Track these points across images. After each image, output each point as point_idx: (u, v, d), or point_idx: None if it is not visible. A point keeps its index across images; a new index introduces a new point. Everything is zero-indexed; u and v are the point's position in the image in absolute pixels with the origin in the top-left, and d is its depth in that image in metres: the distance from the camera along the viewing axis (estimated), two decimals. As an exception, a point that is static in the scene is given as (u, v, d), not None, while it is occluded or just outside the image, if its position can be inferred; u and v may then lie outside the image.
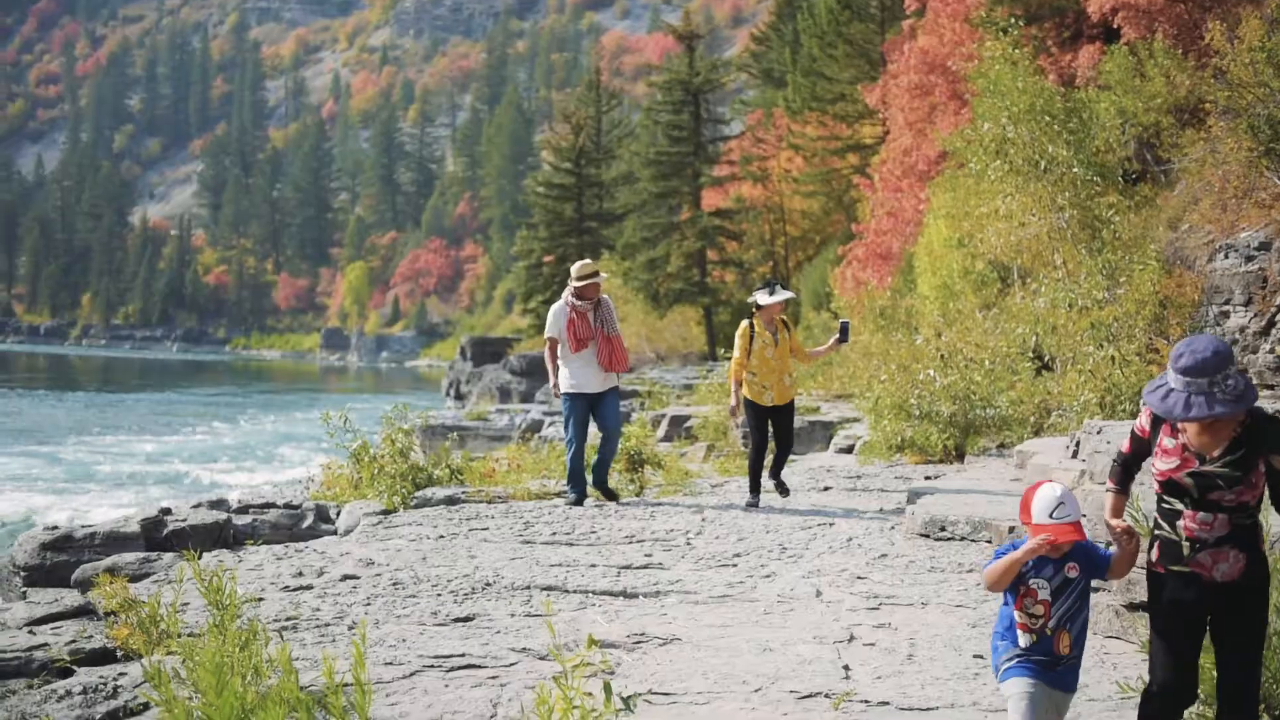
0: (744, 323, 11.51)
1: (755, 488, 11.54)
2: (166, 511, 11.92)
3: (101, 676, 6.52)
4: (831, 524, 10.72)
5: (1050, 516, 4.46)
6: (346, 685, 5.12)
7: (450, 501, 12.58)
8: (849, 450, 17.32)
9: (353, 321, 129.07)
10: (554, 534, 10.44)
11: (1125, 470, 4.86)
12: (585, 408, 11.63)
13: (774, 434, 11.54)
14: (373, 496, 13.07)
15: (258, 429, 42.59)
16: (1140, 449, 4.75)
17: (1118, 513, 4.85)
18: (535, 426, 29.97)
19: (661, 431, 21.46)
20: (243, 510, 12.59)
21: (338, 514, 12.78)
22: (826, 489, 13.31)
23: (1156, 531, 4.64)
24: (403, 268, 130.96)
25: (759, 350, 11.33)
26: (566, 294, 11.61)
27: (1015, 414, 15.59)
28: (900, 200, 30.04)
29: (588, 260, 12.01)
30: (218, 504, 12.93)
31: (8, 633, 7.68)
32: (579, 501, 11.59)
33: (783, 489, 11.64)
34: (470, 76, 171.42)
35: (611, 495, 11.87)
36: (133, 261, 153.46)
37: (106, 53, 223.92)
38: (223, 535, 11.61)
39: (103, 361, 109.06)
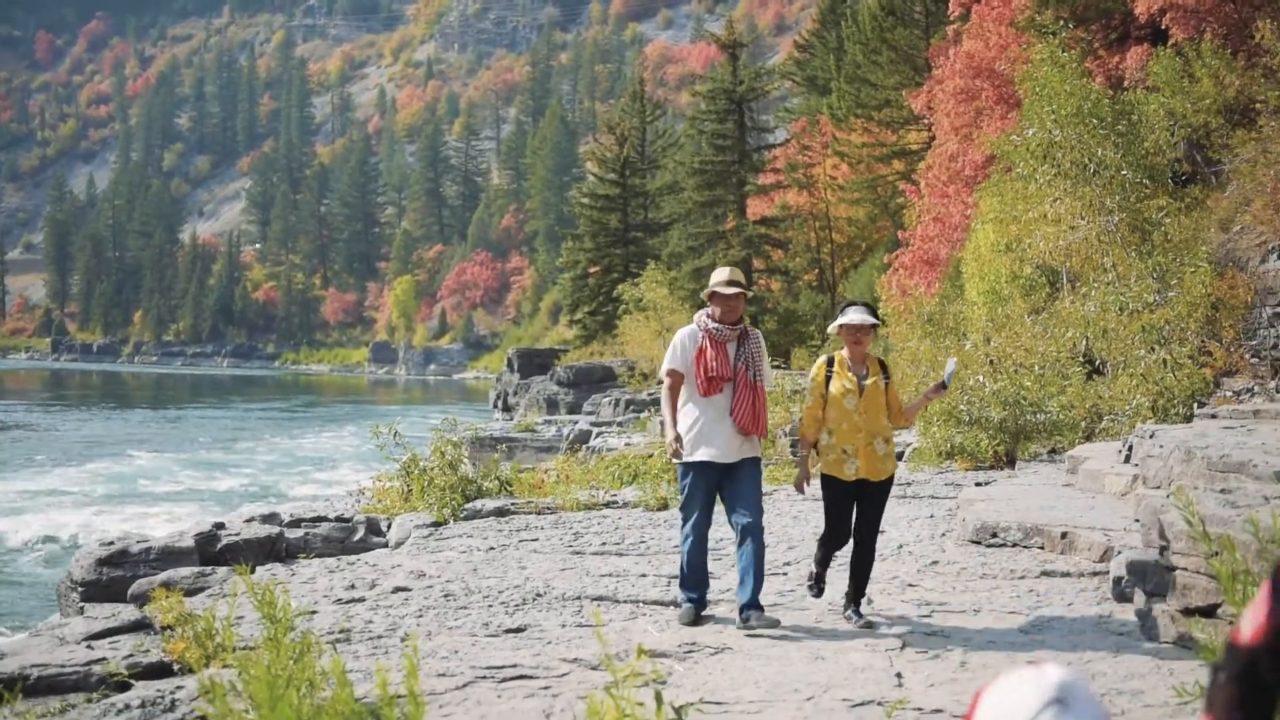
0: (821, 358, 8.02)
1: (819, 579, 8.06)
2: (220, 526, 12.04)
3: (159, 690, 6.59)
4: (882, 531, 10.66)
5: None
6: (400, 697, 5.15)
7: (500, 513, 12.64)
8: (898, 457, 17.23)
9: (400, 335, 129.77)
10: (604, 544, 10.45)
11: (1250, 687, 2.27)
12: (712, 483, 7.72)
13: (856, 523, 7.82)
14: (423, 509, 13.14)
15: (308, 443, 42.89)
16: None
17: None
18: (583, 437, 30.01)
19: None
20: (295, 524, 12.69)
21: (388, 527, 12.85)
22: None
23: None
24: (449, 281, 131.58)
25: (837, 399, 7.73)
26: (700, 315, 7.96)
27: (1066, 419, 15.47)
28: (947, 206, 29.89)
29: (734, 267, 8.30)
30: (270, 518, 13.04)
31: (66, 647, 7.78)
32: (695, 613, 7.68)
33: (857, 612, 7.70)
34: (514, 89, 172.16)
35: (768, 622, 7.46)
36: (183, 279, 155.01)
37: (155, 72, 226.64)
38: (275, 549, 11.71)
39: (155, 378, 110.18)
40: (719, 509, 7.92)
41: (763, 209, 50.15)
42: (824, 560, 8.05)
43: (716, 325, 7.81)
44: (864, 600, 7.83)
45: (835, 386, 7.79)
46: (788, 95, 76.45)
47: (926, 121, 37.84)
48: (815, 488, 8.02)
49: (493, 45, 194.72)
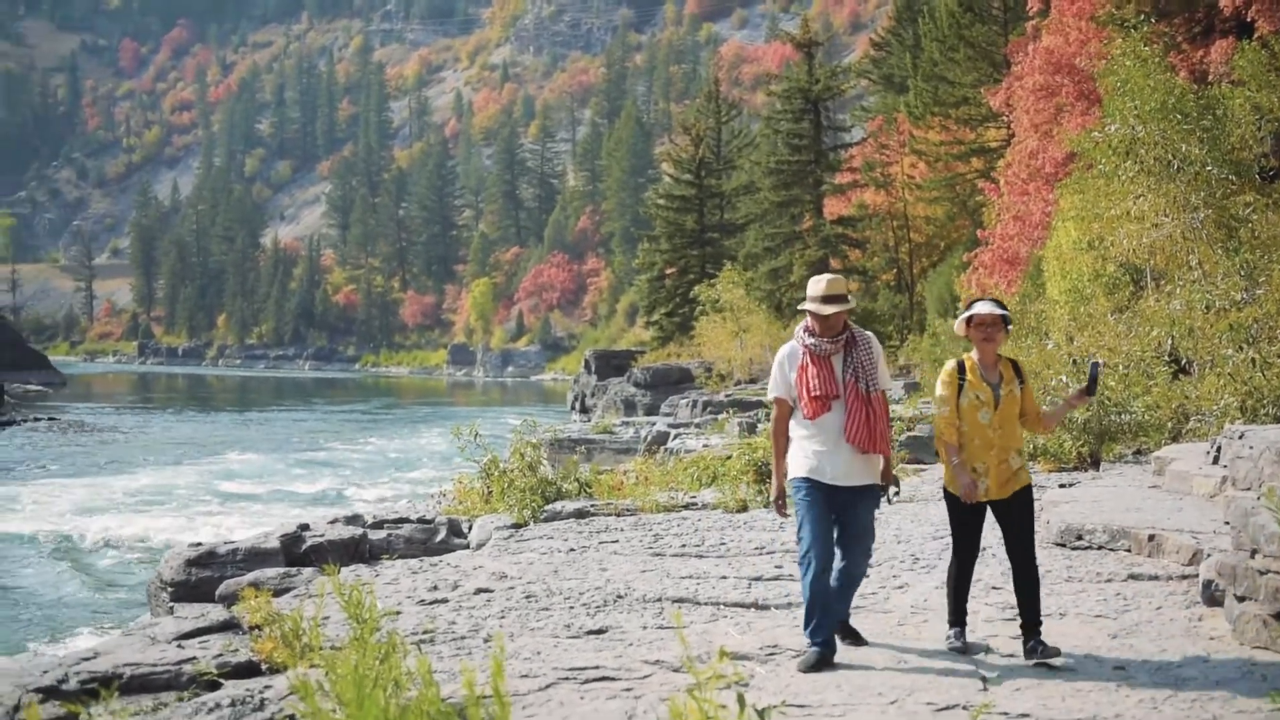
0: (950, 363, 7.18)
1: (959, 615, 7.09)
2: (305, 528, 12.20)
3: (248, 689, 6.70)
4: (964, 534, 10.57)
5: None
6: (485, 698, 5.19)
7: (580, 515, 12.69)
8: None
9: (478, 337, 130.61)
10: (683, 546, 10.46)
11: None
12: (826, 506, 6.93)
13: (1008, 546, 7.01)
14: (503, 510, 13.23)
15: (388, 444, 43.31)
16: None
17: None
18: (661, 439, 30.03)
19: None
20: (377, 525, 12.83)
21: (469, 528, 12.95)
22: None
23: None
24: (526, 283, 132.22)
25: (970, 413, 6.97)
26: (799, 329, 7.17)
27: (1152, 419, 15.24)
28: (1027, 204, 29.58)
29: (833, 277, 7.20)
30: (353, 519, 13.19)
31: (158, 646, 7.92)
32: (820, 658, 6.68)
33: (1039, 643, 6.68)
34: (589, 91, 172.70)
35: (852, 634, 7.14)
36: (265, 282, 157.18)
37: (237, 79, 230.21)
38: (359, 550, 11.86)
39: (238, 381, 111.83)
40: None
41: (840, 208, 49.92)
42: (961, 589, 7.09)
43: (814, 341, 7.00)
44: (1040, 627, 6.79)
45: (967, 398, 6.95)
46: (864, 94, 76.00)
47: (1005, 119, 37.50)
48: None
49: (568, 47, 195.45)
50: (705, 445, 24.03)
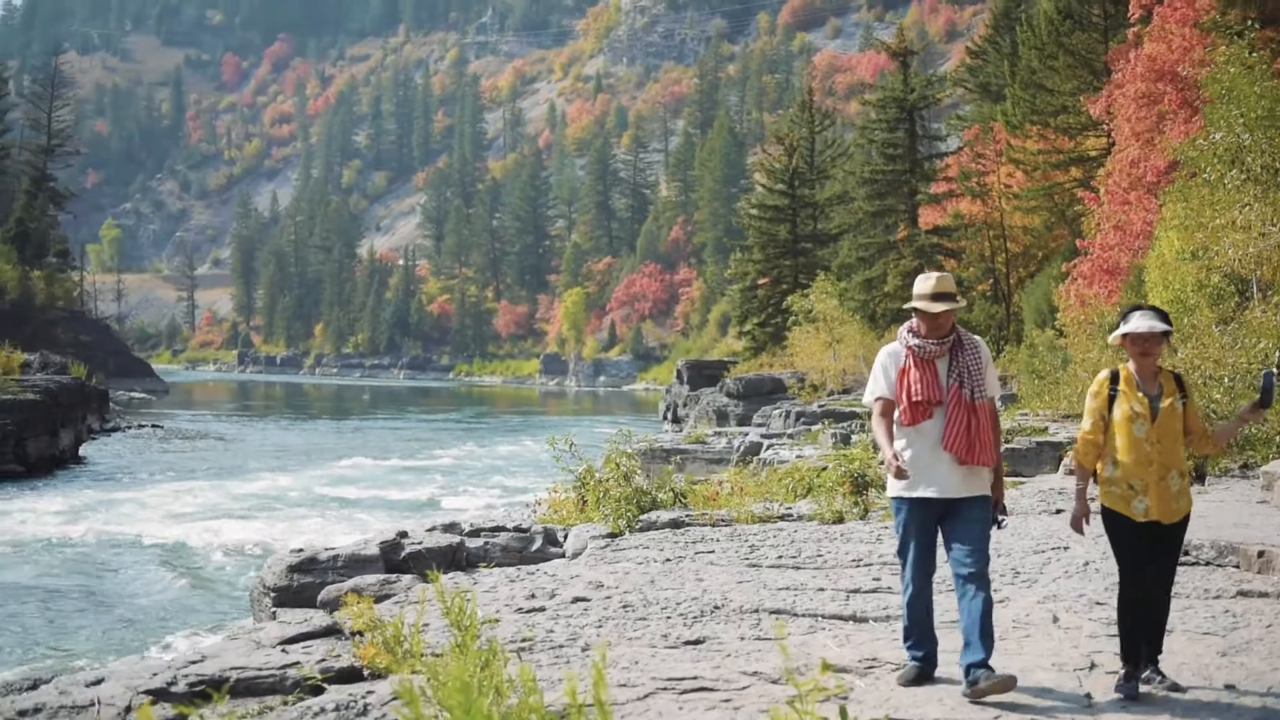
0: (1102, 373, 6.71)
1: (1132, 655, 6.43)
2: (403, 535, 12.34)
3: (351, 694, 6.79)
4: (1066, 548, 10.43)
5: None
6: (587, 706, 5.22)
7: (675, 525, 12.70)
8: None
9: (570, 347, 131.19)
10: (780, 557, 10.43)
11: None
12: (929, 523, 6.56)
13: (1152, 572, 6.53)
14: (598, 520, 13.27)
15: (482, 452, 43.67)
16: None
17: None
18: (753, 449, 29.93)
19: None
20: (474, 533, 12.93)
21: (565, 537, 13.01)
22: (1059, 512, 12.93)
23: None
24: (618, 293, 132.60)
25: (1124, 425, 6.47)
26: (903, 330, 6.84)
27: (1259, 433, 14.92)
28: (1128, 213, 29.09)
29: (943, 274, 6.87)
30: (450, 527, 13.31)
31: (263, 651, 8.07)
32: (919, 673, 6.53)
33: (1157, 672, 6.47)
34: (682, 101, 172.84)
35: (1000, 682, 6.18)
36: (361, 292, 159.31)
37: (335, 92, 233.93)
38: (456, 558, 11.96)
39: (334, 389, 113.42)
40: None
41: (935, 218, 49.46)
42: (1135, 630, 6.42)
43: (919, 342, 6.61)
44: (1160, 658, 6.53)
45: (1121, 409, 6.45)
46: (959, 102, 75.27)
47: (1105, 127, 36.90)
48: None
49: (660, 58, 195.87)
50: (799, 456, 23.91)
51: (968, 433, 6.46)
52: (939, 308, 6.58)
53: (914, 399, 6.53)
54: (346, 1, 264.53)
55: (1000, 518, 6.67)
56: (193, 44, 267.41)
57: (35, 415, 34.67)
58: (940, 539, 6.62)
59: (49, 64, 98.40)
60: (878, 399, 6.72)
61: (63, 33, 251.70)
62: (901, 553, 6.64)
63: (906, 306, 6.83)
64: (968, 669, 6.24)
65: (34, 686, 8.57)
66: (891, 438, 6.62)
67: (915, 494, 6.52)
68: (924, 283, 6.70)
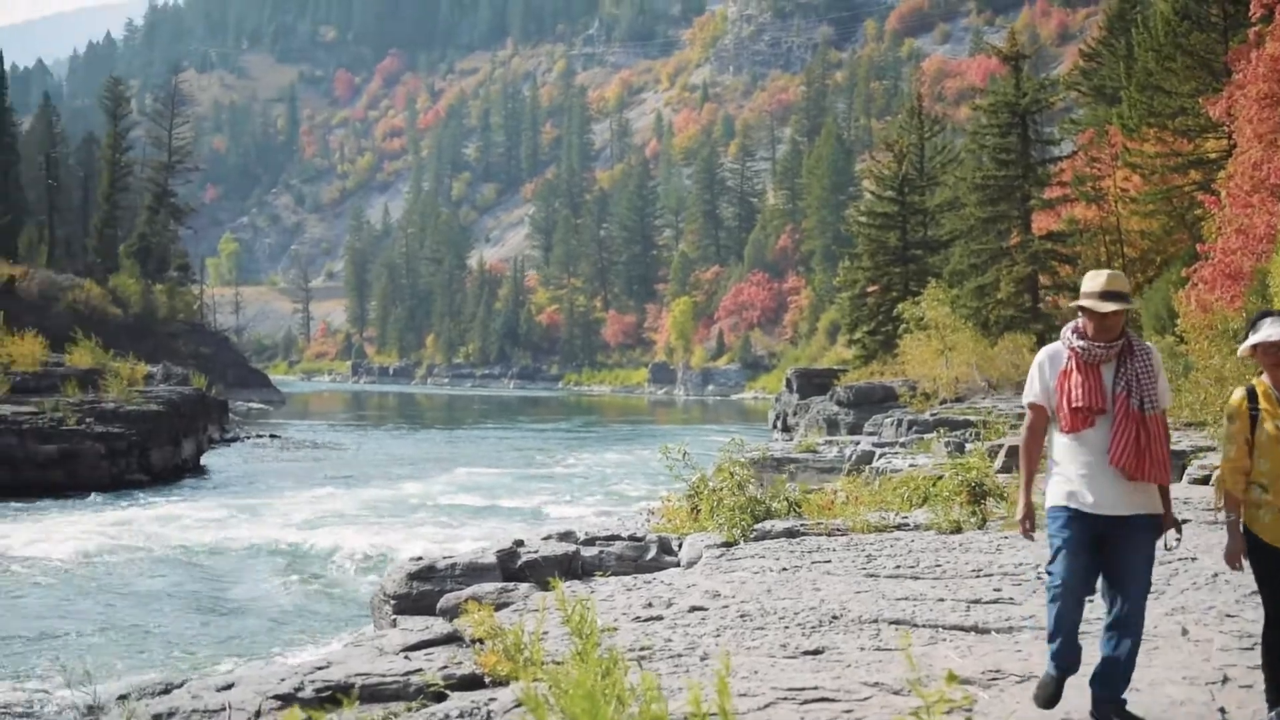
0: (1237, 392, 6.15)
1: (1277, 696, 6.00)
2: (519, 543, 12.47)
3: (473, 701, 6.88)
4: (1194, 559, 10.21)
5: None
6: (711, 715, 5.23)
7: (790, 534, 12.66)
8: (1204, 481, 16.44)
9: (678, 356, 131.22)
10: (897, 567, 10.34)
11: None
12: (1084, 539, 5.99)
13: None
14: (712, 529, 13.28)
15: (593, 461, 43.87)
16: None
17: None
18: (865, 458, 29.68)
19: (998, 463, 20.91)
20: (589, 542, 13.02)
21: (679, 546, 13.04)
22: (1185, 521, 12.64)
23: None
24: (726, 301, 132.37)
25: (1270, 444, 5.92)
26: (1066, 330, 6.34)
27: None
28: (1251, 216, 28.40)
29: (1115, 272, 6.29)
30: (566, 536, 13.42)
31: (386, 658, 8.20)
32: (1056, 687, 6.10)
33: None
34: (789, 109, 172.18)
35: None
36: (471, 303, 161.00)
37: (445, 105, 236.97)
38: (571, 566, 12.06)
39: (446, 399, 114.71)
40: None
41: (1049, 223, 48.73)
42: (1274, 659, 5.94)
43: (1084, 344, 6.10)
44: None
45: (1266, 429, 5.87)
46: (1073, 106, 74.06)
47: (1226, 129, 36.08)
48: None
49: (767, 66, 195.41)
50: (912, 465, 23.67)
51: (1137, 445, 5.93)
52: (1109, 307, 6.03)
53: (1075, 405, 6.03)
54: (456, 16, 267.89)
55: (1175, 538, 6.20)
56: (306, 60, 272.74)
57: (159, 426, 35.58)
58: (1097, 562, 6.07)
59: (169, 83, 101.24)
60: (1030, 404, 6.28)
61: (182, 52, 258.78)
62: (1051, 565, 6.07)
63: (1072, 305, 6.35)
64: (1097, 700, 6.00)
65: (166, 691, 8.80)
66: (1033, 469, 6.24)
67: (1074, 505, 6.00)
68: (1093, 279, 6.19)
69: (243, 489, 33.70)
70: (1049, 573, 6.08)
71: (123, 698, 8.90)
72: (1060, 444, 6.13)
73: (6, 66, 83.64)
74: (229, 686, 7.97)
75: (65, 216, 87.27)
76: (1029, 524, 6.19)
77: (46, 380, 37.75)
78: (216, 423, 47.02)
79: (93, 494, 31.05)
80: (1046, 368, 6.20)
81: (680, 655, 7.68)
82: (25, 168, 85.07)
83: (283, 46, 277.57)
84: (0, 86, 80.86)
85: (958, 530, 12.56)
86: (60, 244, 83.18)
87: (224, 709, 7.38)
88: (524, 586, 10.73)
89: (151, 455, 34.63)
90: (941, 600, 8.96)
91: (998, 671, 6.95)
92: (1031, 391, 6.25)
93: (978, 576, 9.85)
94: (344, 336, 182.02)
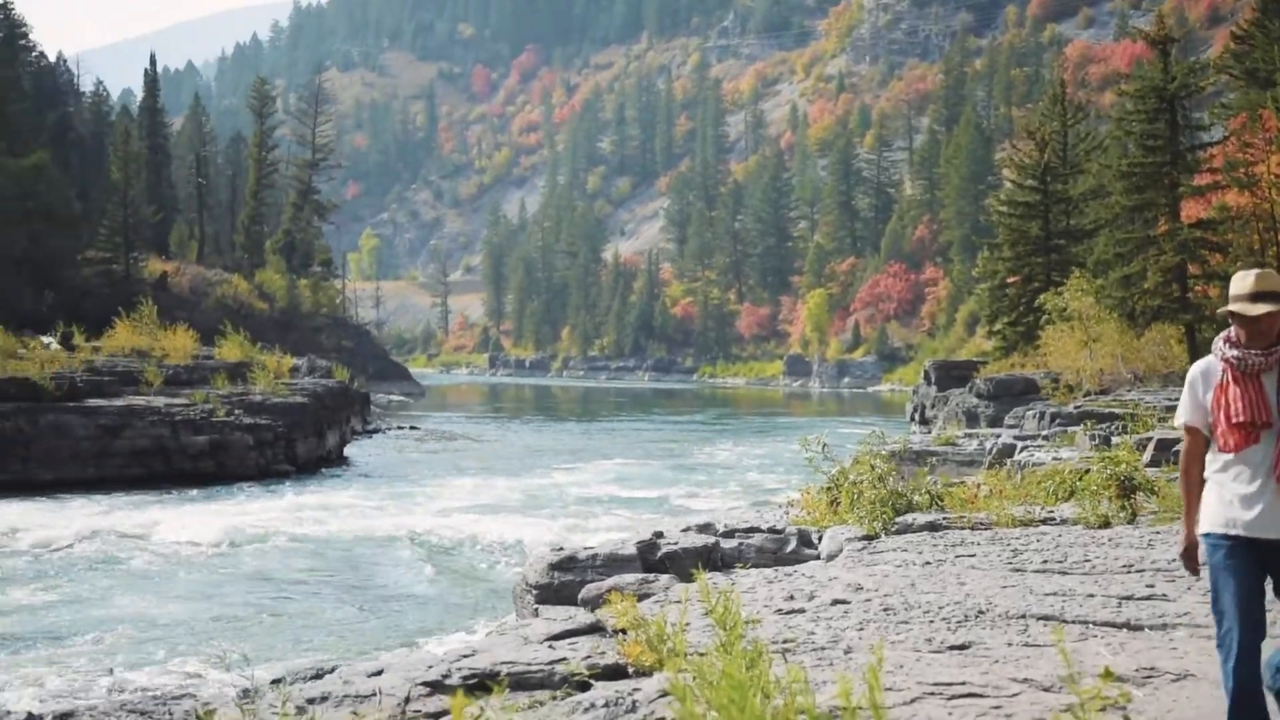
0: None
1: None
2: (659, 535, 12.50)
3: (617, 691, 6.91)
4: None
5: None
6: (860, 708, 5.18)
7: (932, 527, 12.50)
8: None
9: (813, 348, 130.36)
10: (1044, 562, 10.14)
11: None
12: (1251, 568, 5.40)
13: None
14: (852, 521, 13.17)
15: (729, 453, 43.83)
16: None
17: None
18: (1007, 451, 29.18)
19: (1147, 456, 20.38)
20: (729, 534, 13.00)
21: (819, 538, 12.95)
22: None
23: None
24: (862, 293, 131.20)
25: None
26: (1218, 341, 5.71)
27: None
28: None
29: (1265, 270, 5.65)
30: (705, 528, 13.41)
31: (530, 647, 8.29)
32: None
33: None
34: (927, 98, 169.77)
35: None
36: (606, 296, 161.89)
37: (580, 100, 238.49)
38: (711, 558, 12.04)
39: (581, 391, 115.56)
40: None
41: (1198, 211, 47.32)
42: None
43: (1239, 353, 5.50)
44: None
45: None
46: (1223, 90, 71.85)
47: (1389, 110, 34.71)
48: None
49: (904, 55, 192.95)
50: (1055, 458, 23.21)
51: None
52: (1261, 309, 5.46)
53: (1234, 420, 5.43)
54: (591, 11, 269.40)
55: None
56: (445, 58, 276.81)
57: (304, 417, 36.43)
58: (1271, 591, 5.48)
59: (312, 82, 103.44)
60: (1186, 426, 5.69)
61: (325, 52, 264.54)
62: (1217, 605, 5.43)
63: (1221, 311, 5.78)
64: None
65: (318, 675, 9.01)
66: (1197, 494, 5.66)
67: (1235, 532, 5.40)
68: (1241, 281, 5.64)
69: (384, 479, 34.34)
70: (1215, 611, 5.46)
71: (276, 681, 9.13)
72: (1219, 464, 5.54)
73: (159, 69, 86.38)
74: (379, 673, 8.13)
75: (214, 214, 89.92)
76: (1191, 559, 5.69)
77: (197, 373, 38.90)
78: (359, 415, 47.99)
79: (240, 484, 31.92)
80: (1200, 385, 5.63)
81: (824, 648, 7.63)
82: (176, 167, 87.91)
83: (422, 44, 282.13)
84: (153, 89, 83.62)
85: (1106, 525, 12.27)
86: (209, 240, 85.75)
87: (374, 694, 7.53)
88: (665, 578, 10.75)
89: (297, 446, 35.46)
90: (1091, 596, 8.76)
91: (1152, 669, 6.77)
92: (1185, 412, 5.69)
93: (1129, 572, 9.61)
94: (481, 330, 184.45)
